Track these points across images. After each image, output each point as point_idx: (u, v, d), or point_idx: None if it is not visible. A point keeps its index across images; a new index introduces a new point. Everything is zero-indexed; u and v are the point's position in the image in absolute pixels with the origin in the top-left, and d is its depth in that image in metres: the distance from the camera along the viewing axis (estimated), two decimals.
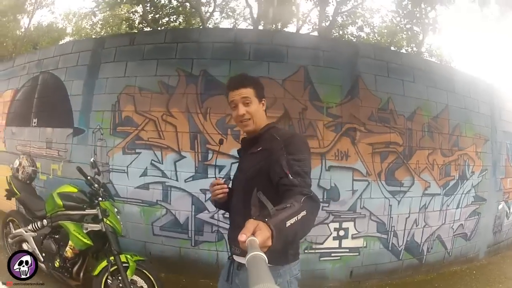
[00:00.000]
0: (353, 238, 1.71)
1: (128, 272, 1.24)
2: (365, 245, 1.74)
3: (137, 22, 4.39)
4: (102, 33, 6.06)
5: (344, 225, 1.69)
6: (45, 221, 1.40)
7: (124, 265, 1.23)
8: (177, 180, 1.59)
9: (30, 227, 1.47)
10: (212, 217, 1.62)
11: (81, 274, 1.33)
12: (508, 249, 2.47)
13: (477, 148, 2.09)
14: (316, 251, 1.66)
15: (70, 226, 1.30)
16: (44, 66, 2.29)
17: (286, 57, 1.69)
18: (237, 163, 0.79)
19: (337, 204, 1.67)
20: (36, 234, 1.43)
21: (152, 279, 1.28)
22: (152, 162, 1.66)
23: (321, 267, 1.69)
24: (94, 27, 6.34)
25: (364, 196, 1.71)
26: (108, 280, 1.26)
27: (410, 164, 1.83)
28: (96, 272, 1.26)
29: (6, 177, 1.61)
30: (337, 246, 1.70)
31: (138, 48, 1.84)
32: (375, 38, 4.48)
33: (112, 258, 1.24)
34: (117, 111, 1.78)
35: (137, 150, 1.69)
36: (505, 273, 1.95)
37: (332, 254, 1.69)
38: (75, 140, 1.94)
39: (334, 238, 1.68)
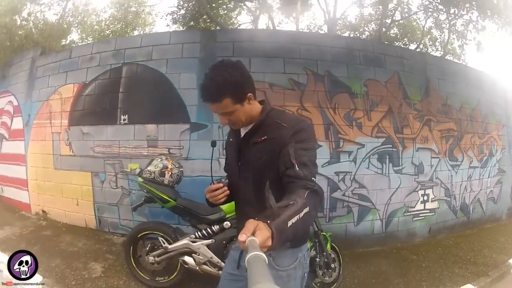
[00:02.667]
0: (431, 201, 3.08)
1: (328, 247, 1.92)
2: (438, 207, 3.15)
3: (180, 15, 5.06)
4: (111, 29, 6.54)
5: (427, 191, 3.06)
6: (227, 223, 1.70)
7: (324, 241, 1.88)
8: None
9: (198, 234, 1.73)
10: (343, 195, 2.67)
11: None
12: None
13: (498, 132, 3.79)
14: (411, 213, 2.95)
15: None
16: (128, 57, 2.78)
17: (384, 63, 2.98)
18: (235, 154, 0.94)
19: (423, 175, 2.99)
20: (212, 240, 1.71)
21: (337, 249, 2.02)
22: None
23: (413, 226, 2.98)
24: (102, 23, 6.59)
25: (437, 169, 3.14)
26: (317, 259, 1.88)
27: (461, 144, 3.38)
28: None
29: (141, 183, 1.94)
30: (423, 208, 3.07)
31: (259, 45, 2.65)
32: (401, 37, 6.59)
33: (315, 238, 1.86)
34: None
35: None
36: None
37: (420, 215, 3.04)
38: (194, 136, 2.61)
39: (421, 202, 3.03)
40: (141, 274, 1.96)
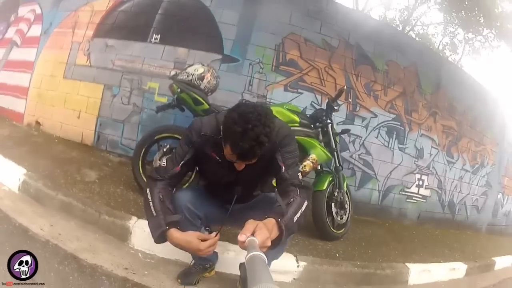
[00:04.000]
0: (425, 188, 3.65)
1: (344, 186, 2.18)
2: (430, 195, 3.71)
3: None
4: None
5: (423, 177, 3.63)
6: None
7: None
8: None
9: None
10: (350, 157, 3.10)
11: None
12: (501, 235, 4.85)
13: (492, 147, 4.54)
14: (405, 193, 3.46)
15: (314, 141, 2.00)
16: None
17: (406, 52, 3.56)
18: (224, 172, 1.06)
19: (422, 161, 3.54)
20: None
21: (349, 194, 2.30)
22: (312, 103, 3.03)
23: (405, 207, 3.48)
24: None
25: (435, 160, 3.72)
26: (335, 193, 2.13)
27: (459, 145, 4.06)
28: (324, 186, 2.02)
29: (174, 83, 2.03)
30: (416, 192, 3.60)
31: (301, 2, 3.18)
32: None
33: (336, 173, 2.14)
34: (281, 51, 3.01)
35: (300, 90, 3.01)
36: (502, 246, 4.03)
37: (413, 198, 3.57)
38: (224, 67, 2.96)
39: (416, 186, 3.57)
40: (144, 179, 2.01)
